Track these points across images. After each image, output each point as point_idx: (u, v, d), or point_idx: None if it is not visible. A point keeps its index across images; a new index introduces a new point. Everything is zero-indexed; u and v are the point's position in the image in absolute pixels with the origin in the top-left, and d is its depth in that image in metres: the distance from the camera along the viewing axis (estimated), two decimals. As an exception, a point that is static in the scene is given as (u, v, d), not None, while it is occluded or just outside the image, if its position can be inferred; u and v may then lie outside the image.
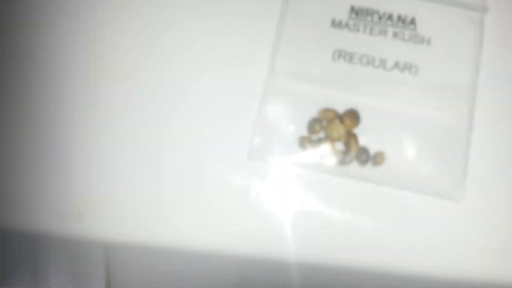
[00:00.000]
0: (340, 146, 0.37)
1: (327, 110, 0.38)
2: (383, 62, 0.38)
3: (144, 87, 0.38)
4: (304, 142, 0.37)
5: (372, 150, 0.37)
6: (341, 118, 0.38)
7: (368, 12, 0.39)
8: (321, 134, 0.38)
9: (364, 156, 0.37)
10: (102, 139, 0.38)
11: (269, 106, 0.38)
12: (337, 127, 0.37)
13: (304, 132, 0.38)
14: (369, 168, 0.37)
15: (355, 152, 0.37)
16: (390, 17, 0.39)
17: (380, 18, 0.39)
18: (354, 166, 0.37)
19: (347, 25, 0.39)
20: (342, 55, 0.38)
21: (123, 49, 0.39)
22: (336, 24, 0.39)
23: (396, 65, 0.38)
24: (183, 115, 0.38)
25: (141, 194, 0.37)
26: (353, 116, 0.38)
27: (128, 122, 0.38)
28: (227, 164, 0.37)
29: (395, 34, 0.38)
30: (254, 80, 0.38)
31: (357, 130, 0.37)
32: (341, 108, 0.38)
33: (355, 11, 0.39)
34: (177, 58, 0.39)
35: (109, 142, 0.38)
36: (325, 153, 0.37)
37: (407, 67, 0.38)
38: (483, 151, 0.37)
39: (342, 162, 0.37)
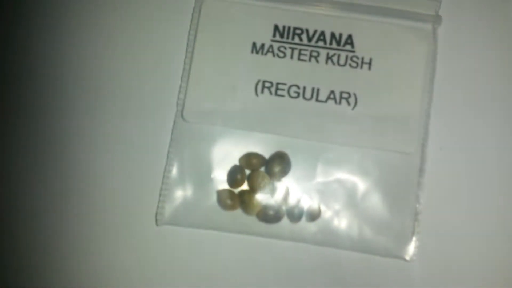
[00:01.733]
0: (267, 199, 0.31)
1: (250, 156, 0.31)
2: (315, 93, 0.31)
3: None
4: (223, 197, 0.31)
5: (306, 203, 0.31)
6: (267, 164, 0.31)
7: (295, 32, 0.32)
8: (245, 186, 0.31)
9: (297, 211, 0.31)
10: None
11: (179, 156, 0.31)
12: (264, 176, 0.31)
13: (223, 185, 0.31)
14: (302, 226, 0.31)
15: (286, 207, 0.31)
16: (322, 36, 0.32)
17: (310, 38, 0.32)
18: (285, 224, 0.31)
19: (270, 49, 0.32)
20: (266, 86, 0.32)
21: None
22: (257, 49, 0.32)
23: (332, 95, 0.31)
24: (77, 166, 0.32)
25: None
26: (282, 161, 0.31)
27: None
28: (133, 231, 0.31)
29: (329, 58, 0.32)
30: (161, 124, 0.32)
31: (287, 178, 0.31)
32: (267, 152, 0.31)
33: (280, 32, 0.32)
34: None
35: None
36: (250, 209, 0.31)
37: (345, 97, 0.31)
38: (436, 196, 0.31)
39: (272, 219, 0.31)
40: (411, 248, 0.30)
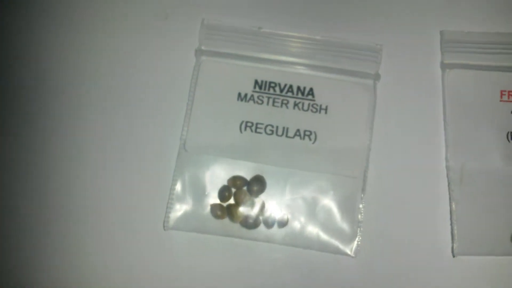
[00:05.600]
0: (248, 211, 0.41)
1: (236, 178, 0.41)
2: (285, 131, 0.42)
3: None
4: (215, 209, 0.41)
5: (277, 214, 0.41)
6: (248, 185, 0.41)
7: (270, 85, 0.42)
8: (231, 201, 0.41)
9: (270, 220, 0.41)
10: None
11: (182, 177, 0.41)
12: (245, 193, 0.41)
13: (215, 199, 0.41)
14: (274, 231, 0.41)
15: (262, 217, 0.41)
16: (290, 88, 0.42)
17: (281, 90, 0.42)
18: (262, 229, 0.41)
19: (252, 97, 0.42)
20: (248, 126, 0.42)
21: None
22: (242, 97, 0.42)
23: (298, 133, 0.42)
24: (104, 185, 0.42)
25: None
26: (259, 182, 0.41)
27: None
28: (146, 235, 0.41)
29: (296, 105, 0.42)
30: (168, 154, 0.42)
31: (263, 195, 0.41)
32: (248, 175, 0.42)
33: (259, 85, 0.42)
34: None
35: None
36: (235, 219, 0.41)
37: (307, 134, 0.42)
38: (375, 206, 0.41)
39: (251, 226, 0.41)
40: (354, 247, 0.40)
